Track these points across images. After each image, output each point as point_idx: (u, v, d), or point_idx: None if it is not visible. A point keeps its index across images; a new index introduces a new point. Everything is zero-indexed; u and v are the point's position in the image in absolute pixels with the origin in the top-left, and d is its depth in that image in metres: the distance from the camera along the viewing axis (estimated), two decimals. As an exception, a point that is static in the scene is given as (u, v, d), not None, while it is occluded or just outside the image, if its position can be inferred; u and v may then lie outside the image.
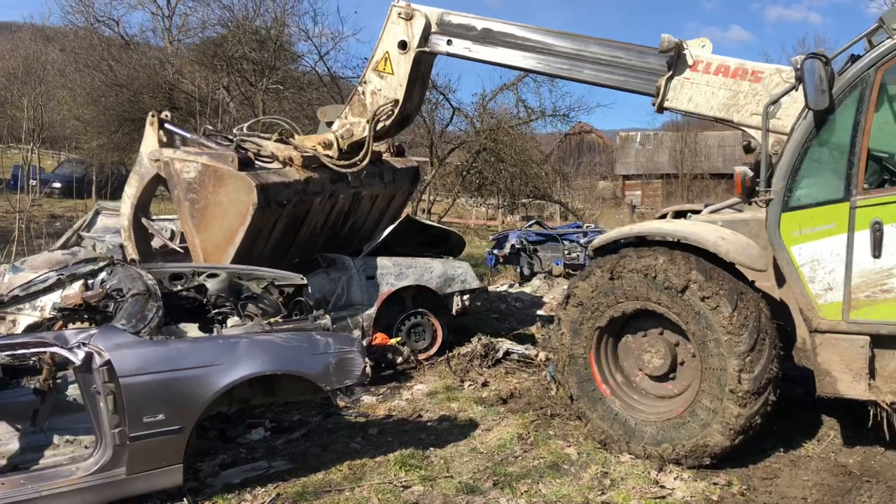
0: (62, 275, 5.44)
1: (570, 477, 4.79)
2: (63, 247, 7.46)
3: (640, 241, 5.23)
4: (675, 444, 4.82)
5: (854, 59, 4.69)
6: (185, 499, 4.29)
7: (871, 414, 4.60)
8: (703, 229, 5.06)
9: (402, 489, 4.55)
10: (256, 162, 5.42)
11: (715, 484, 4.64)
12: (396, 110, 6.18)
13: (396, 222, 8.15)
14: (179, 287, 5.94)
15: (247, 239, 5.29)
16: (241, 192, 5.07)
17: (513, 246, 13.32)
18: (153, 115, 6.01)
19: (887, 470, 4.80)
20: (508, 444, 5.35)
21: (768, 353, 4.62)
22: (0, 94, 23.11)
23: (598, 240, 5.57)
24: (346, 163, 6.03)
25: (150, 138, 5.83)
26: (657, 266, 4.88)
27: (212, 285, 6.02)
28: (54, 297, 5.57)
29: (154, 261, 6.16)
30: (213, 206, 5.22)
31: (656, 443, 4.91)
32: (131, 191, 5.93)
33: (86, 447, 4.33)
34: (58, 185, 22.94)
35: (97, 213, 7.91)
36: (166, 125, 5.99)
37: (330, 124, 6.41)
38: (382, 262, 7.64)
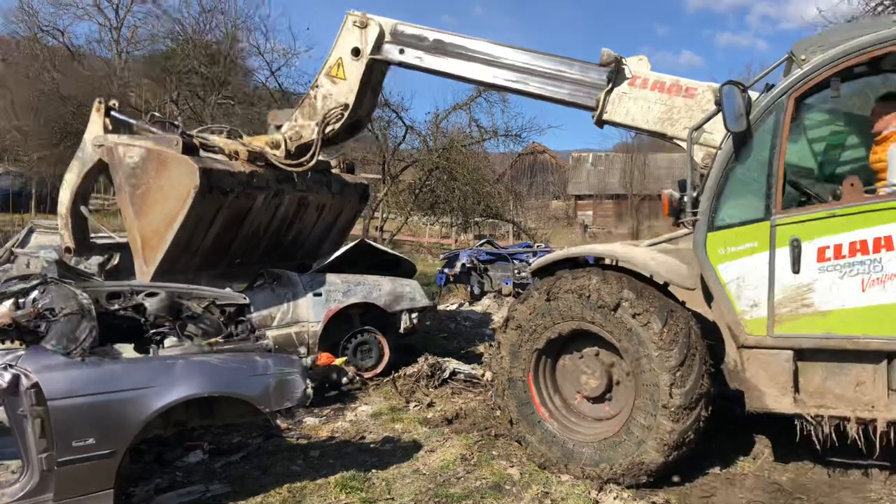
0: (-8, 293, 5.24)
1: (511, 497, 4.80)
2: (-6, 264, 7.22)
3: (576, 264, 5.33)
4: (612, 464, 4.88)
5: (769, 87, 4.92)
6: (115, 526, 4.15)
7: (798, 428, 4.73)
8: (634, 251, 5.23)
9: (342, 512, 4.49)
10: (202, 152, 5.35)
11: (653, 502, 4.70)
12: (346, 114, 6.26)
13: (350, 245, 8.13)
14: (117, 306, 5.80)
15: (187, 225, 5.19)
16: (183, 175, 5.02)
17: (463, 265, 13.39)
18: (100, 102, 5.92)
19: (817, 487, 4.94)
20: (451, 465, 5.33)
21: (698, 369, 4.74)
22: (-66, 103, 22.35)
23: (537, 263, 5.69)
24: (293, 162, 6.03)
25: (95, 124, 5.73)
26: (591, 286, 4.98)
27: (151, 304, 5.88)
28: (-18, 317, 5.35)
29: (91, 251, 6.00)
30: (155, 191, 5.16)
31: (594, 463, 4.96)
32: (71, 177, 5.80)
33: (13, 472, 4.17)
34: (-7, 198, 22.19)
35: (31, 230, 7.69)
36: (112, 112, 5.91)
37: (279, 128, 6.45)
38: (330, 278, 7.59)
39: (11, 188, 21.11)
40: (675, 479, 4.94)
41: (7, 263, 7.12)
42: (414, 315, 8.06)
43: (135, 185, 5.13)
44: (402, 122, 22.33)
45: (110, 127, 5.82)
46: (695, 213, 4.91)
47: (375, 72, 6.57)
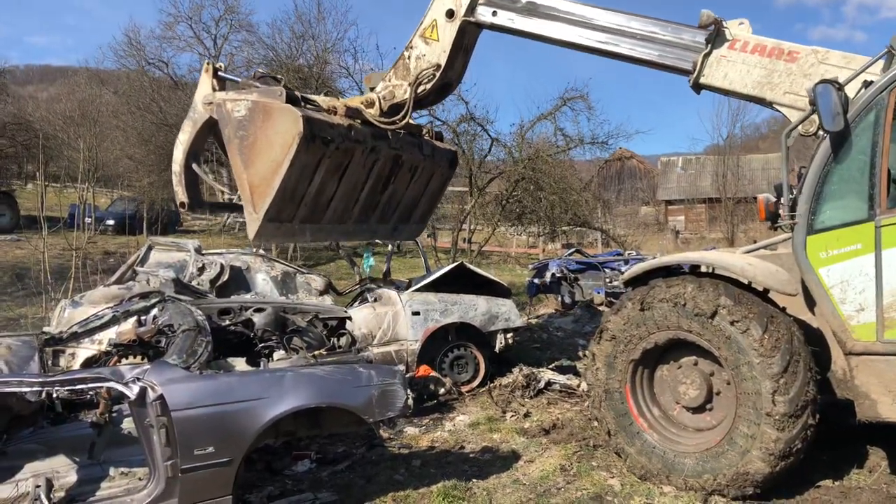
0: (117, 311, 5.67)
1: (613, 509, 4.77)
2: (118, 281, 7.78)
3: (670, 272, 5.26)
4: (716, 475, 4.77)
5: (867, 84, 4.72)
6: (234, 530, 4.38)
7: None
8: (730, 257, 5.11)
9: (445, 521, 4.59)
10: (303, 103, 5.60)
11: (762, 516, 4.57)
12: (438, 75, 6.40)
13: (448, 267, 8.33)
14: (227, 322, 6.14)
15: (291, 173, 5.40)
16: (287, 123, 5.23)
17: (553, 275, 13.33)
18: (208, 63, 6.28)
19: (942, 502, 4.67)
20: (551, 476, 5.35)
21: (803, 376, 4.58)
22: (58, 136, 24.14)
23: (629, 272, 5.63)
24: (387, 120, 6.21)
25: (204, 85, 6.05)
26: (686, 294, 4.90)
27: (258, 319, 6.21)
28: (110, 333, 5.78)
29: (203, 207, 6.27)
30: (261, 140, 5.38)
31: (697, 474, 4.86)
32: (184, 136, 6.14)
33: (140, 479, 4.45)
34: (111, 222, 23.77)
35: (150, 248, 8.24)
36: (219, 73, 6.27)
37: (373, 90, 6.66)
38: (428, 297, 7.77)
39: (126, 212, 22.57)
40: (784, 490, 4.77)
41: (129, 281, 7.65)
42: (509, 335, 8.15)
43: (243, 136, 5.39)
44: (488, 134, 22.42)
45: (217, 87, 6.12)
46: (793, 217, 4.77)
47: (468, 35, 6.67)
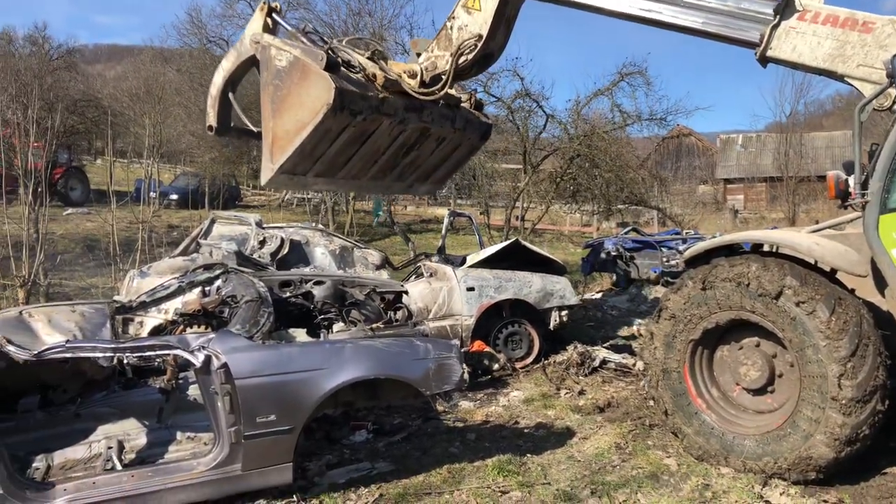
0: (182, 282, 5.85)
1: (669, 488, 4.74)
2: (183, 253, 8.03)
3: (732, 251, 5.14)
4: (776, 458, 4.68)
5: None
6: (294, 496, 4.51)
7: None
8: (796, 236, 4.96)
9: (500, 494, 4.63)
10: (342, 69, 5.64)
11: (825, 501, 4.48)
12: (479, 45, 6.32)
13: (504, 243, 8.31)
14: (288, 294, 6.28)
15: (313, 135, 5.45)
16: (320, 90, 5.26)
17: (608, 253, 13.15)
18: (264, 3, 6.30)
19: None
20: (606, 454, 5.34)
21: (872, 360, 4.44)
22: (124, 113, 24.87)
23: (690, 251, 5.52)
24: (426, 91, 6.19)
25: (255, 22, 6.11)
26: (750, 273, 4.79)
27: (318, 292, 6.34)
28: (176, 303, 5.98)
29: (229, 133, 6.39)
30: (293, 97, 5.43)
31: (757, 456, 4.79)
32: (227, 64, 6.26)
33: (205, 444, 4.61)
34: (174, 196, 24.45)
35: (213, 221, 8.46)
36: (273, 14, 6.30)
37: (419, 55, 6.65)
38: (483, 273, 7.79)
39: (189, 187, 23.17)
40: (848, 476, 4.66)
41: (193, 253, 7.89)
42: (564, 313, 8.11)
43: (278, 86, 5.46)
44: (543, 110, 22.14)
45: (269, 26, 6.15)
46: (864, 195, 4.58)
47: (510, 5, 6.51)
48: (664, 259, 13.05)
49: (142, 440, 4.73)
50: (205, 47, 26.41)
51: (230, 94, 6.33)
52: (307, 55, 5.42)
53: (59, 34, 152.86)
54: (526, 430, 5.92)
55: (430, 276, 7.83)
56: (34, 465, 4.31)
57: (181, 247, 8.31)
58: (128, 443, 4.59)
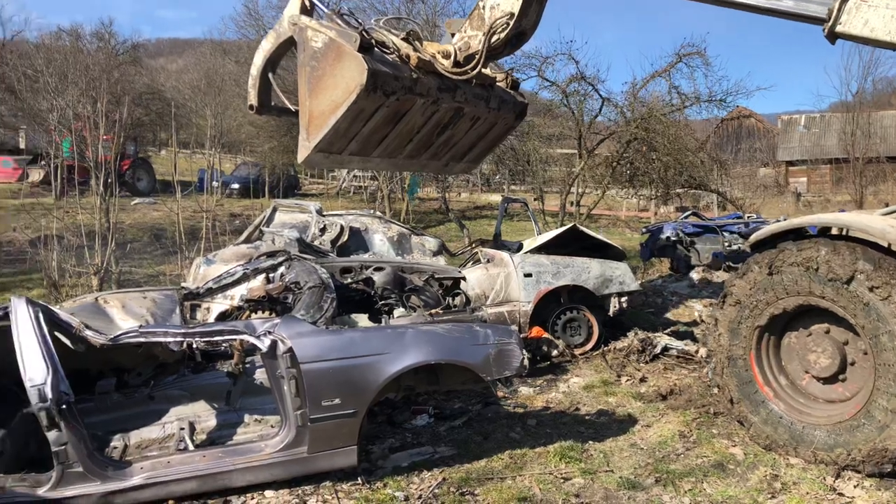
0: (247, 269, 5.99)
1: (736, 478, 4.65)
2: (246, 241, 8.23)
3: (799, 235, 4.98)
4: (849, 449, 4.54)
5: None
6: (359, 478, 4.59)
7: None
8: (868, 219, 4.76)
9: (562, 481, 4.62)
10: (376, 49, 5.70)
11: (902, 494, 4.33)
12: (511, 23, 6.27)
13: (561, 229, 8.25)
14: (349, 280, 6.37)
15: (348, 115, 5.53)
16: (354, 71, 5.32)
17: (668, 238, 12.94)
18: None
19: None
20: (670, 441, 5.27)
21: None
22: (186, 104, 25.55)
23: (756, 235, 5.35)
24: (459, 70, 6.20)
25: (293, 4, 6.19)
26: (819, 258, 4.64)
27: (378, 278, 6.41)
28: (241, 289, 6.13)
29: (270, 111, 6.53)
30: (328, 78, 5.49)
31: (828, 448, 4.65)
32: (266, 45, 6.38)
33: (272, 426, 4.73)
34: (236, 186, 25.09)
35: (275, 209, 8.63)
36: None
37: (453, 35, 6.65)
38: (540, 259, 7.74)
39: (250, 176, 23.73)
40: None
41: (257, 240, 8.07)
42: (624, 299, 8.00)
43: (314, 67, 5.54)
44: (599, 94, 21.79)
45: (307, 7, 6.17)
46: None
47: None
48: (726, 243, 12.77)
49: (211, 422, 4.88)
50: (262, 38, 26.80)
51: (270, 75, 6.43)
52: (342, 36, 5.49)
53: (124, 29, 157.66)
54: (587, 417, 5.88)
55: (488, 262, 7.83)
56: (112, 444, 4.49)
57: (245, 234, 8.51)
58: (198, 424, 4.74)
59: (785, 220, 6.88)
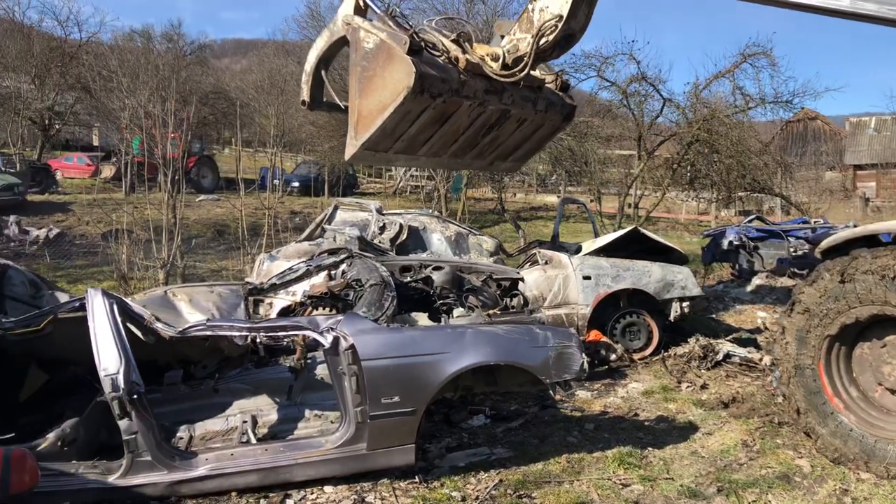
0: (310, 266, 6.10)
1: (803, 491, 4.51)
2: (308, 238, 8.38)
3: (873, 242, 4.79)
4: None
5: None
6: (416, 477, 4.61)
7: None
8: None
9: (621, 487, 4.56)
10: (425, 52, 5.73)
11: (981, 514, 4.13)
12: (560, 25, 6.22)
13: (622, 231, 8.14)
14: (408, 278, 6.42)
15: (395, 116, 5.58)
16: (402, 73, 5.37)
17: (731, 242, 12.63)
18: None
19: None
20: (732, 451, 5.15)
21: None
22: (250, 104, 26.15)
23: (827, 241, 5.17)
24: (507, 73, 6.18)
25: (348, 3, 6.24)
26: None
27: (437, 277, 6.43)
28: (304, 285, 6.24)
29: (321, 107, 6.62)
30: (378, 79, 5.56)
31: (903, 463, 4.46)
32: (321, 43, 6.50)
33: (331, 422, 4.79)
34: (296, 184, 25.59)
35: (336, 208, 8.77)
36: None
37: (503, 37, 6.62)
38: (599, 262, 7.65)
39: (311, 175, 24.14)
40: None
41: (318, 238, 8.21)
42: (685, 304, 7.83)
43: (364, 67, 5.62)
44: (660, 94, 21.44)
45: (361, 7, 6.23)
46: None
47: None
48: (791, 249, 12.38)
49: (273, 416, 4.97)
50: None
51: (322, 72, 6.53)
52: (392, 39, 5.54)
53: (191, 30, 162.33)
54: (646, 423, 5.79)
55: (546, 263, 7.78)
56: (178, 434, 4.62)
57: (307, 232, 8.66)
58: (260, 418, 4.83)
59: (855, 226, 6.63)
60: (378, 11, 6.48)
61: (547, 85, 6.76)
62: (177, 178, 10.73)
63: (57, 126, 28.74)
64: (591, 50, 19.63)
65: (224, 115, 29.67)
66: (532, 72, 6.20)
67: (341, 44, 6.40)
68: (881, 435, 4.68)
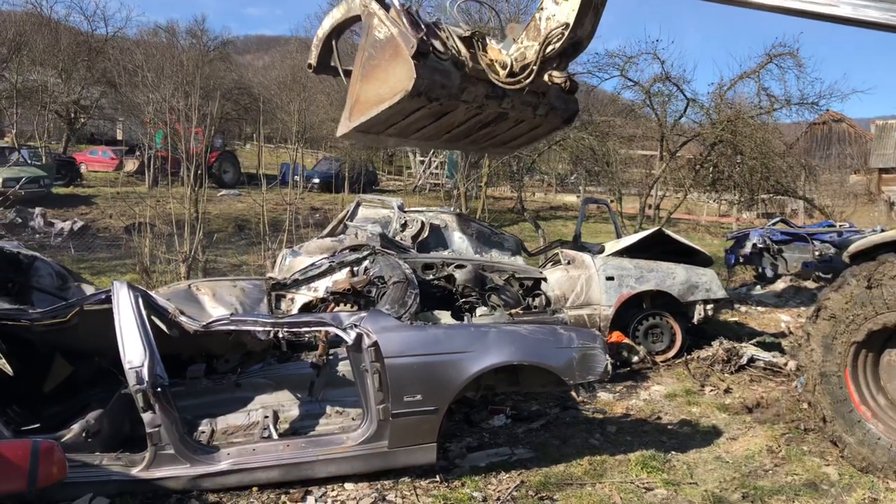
0: (333, 262, 6.09)
1: (830, 499, 4.43)
2: (330, 234, 8.36)
3: None
4: None
5: None
6: (437, 476, 4.58)
7: None
8: None
9: (644, 491, 4.51)
10: (432, 55, 5.73)
11: None
12: (566, 34, 6.19)
13: (646, 232, 8.08)
14: (431, 276, 6.39)
15: (389, 111, 5.58)
16: (404, 74, 5.36)
17: (755, 245, 12.49)
18: None
19: None
20: (757, 456, 5.07)
21: None
22: (272, 100, 26.27)
23: (855, 245, 5.07)
24: (512, 80, 6.15)
25: None
26: None
27: (459, 275, 6.40)
28: (326, 282, 6.23)
29: (327, 71, 6.65)
30: (381, 71, 5.53)
31: (935, 473, 4.37)
32: (337, 14, 6.45)
33: (353, 419, 4.78)
34: (317, 180, 25.69)
35: (358, 204, 8.76)
36: None
37: (515, 41, 6.59)
38: (623, 263, 7.58)
39: (332, 171, 24.22)
40: None
41: (340, 234, 8.20)
42: (709, 306, 7.73)
43: (371, 55, 5.60)
44: (684, 94, 21.24)
45: None
46: None
47: None
48: (816, 253, 12.22)
49: (294, 412, 4.97)
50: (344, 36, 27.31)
51: (333, 41, 6.56)
52: (402, 37, 5.54)
53: (214, 26, 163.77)
54: (669, 427, 5.72)
55: (568, 263, 7.72)
56: (200, 428, 4.63)
57: (329, 228, 8.66)
58: (282, 413, 4.83)
59: (882, 230, 6.51)
60: (396, 5, 6.49)
61: (555, 83, 6.75)
62: (199, 172, 10.79)
63: (82, 120, 29.08)
64: (615, 49, 19.50)
65: (246, 111, 29.83)
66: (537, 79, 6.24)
67: (355, 20, 6.42)
68: (911, 443, 4.58)
